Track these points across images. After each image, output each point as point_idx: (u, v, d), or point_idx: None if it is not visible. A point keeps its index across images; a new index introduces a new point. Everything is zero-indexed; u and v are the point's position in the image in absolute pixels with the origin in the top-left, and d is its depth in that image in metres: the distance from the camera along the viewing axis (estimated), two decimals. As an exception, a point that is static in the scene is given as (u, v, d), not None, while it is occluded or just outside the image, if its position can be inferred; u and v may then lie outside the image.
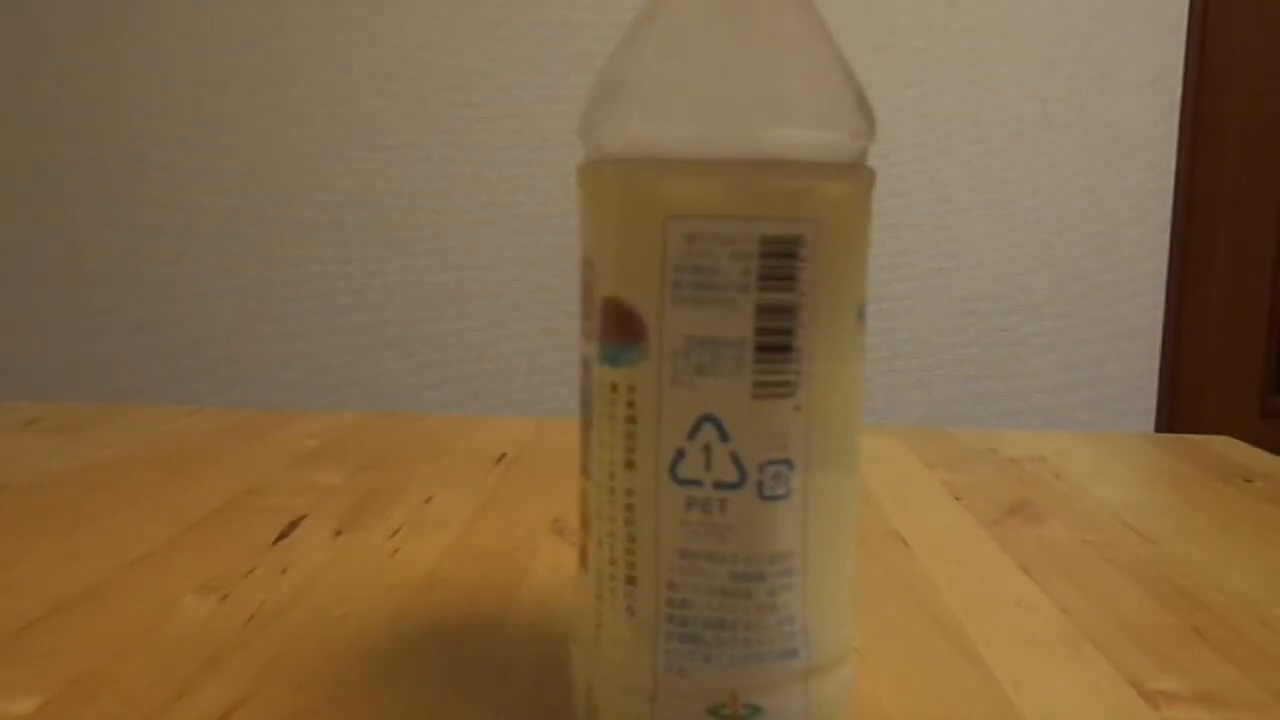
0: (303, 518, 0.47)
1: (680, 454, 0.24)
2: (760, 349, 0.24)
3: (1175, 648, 0.35)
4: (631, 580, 0.25)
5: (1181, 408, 1.56)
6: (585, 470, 0.26)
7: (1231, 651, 0.34)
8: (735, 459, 0.24)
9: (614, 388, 0.24)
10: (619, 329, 0.24)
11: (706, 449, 0.24)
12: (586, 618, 0.27)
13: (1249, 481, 0.56)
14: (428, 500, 0.50)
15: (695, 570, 0.25)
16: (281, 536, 0.44)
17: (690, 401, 0.24)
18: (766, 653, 0.25)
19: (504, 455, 0.59)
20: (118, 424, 0.64)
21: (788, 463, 0.24)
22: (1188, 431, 1.50)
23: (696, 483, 0.24)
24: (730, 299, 0.23)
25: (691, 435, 0.24)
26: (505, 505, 0.49)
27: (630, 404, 0.24)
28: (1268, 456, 0.62)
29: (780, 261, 0.24)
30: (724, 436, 0.24)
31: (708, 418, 0.24)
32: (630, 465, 0.25)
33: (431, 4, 1.51)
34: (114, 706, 0.29)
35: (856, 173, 0.25)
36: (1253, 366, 1.56)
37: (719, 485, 0.24)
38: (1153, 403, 1.55)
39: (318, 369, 1.57)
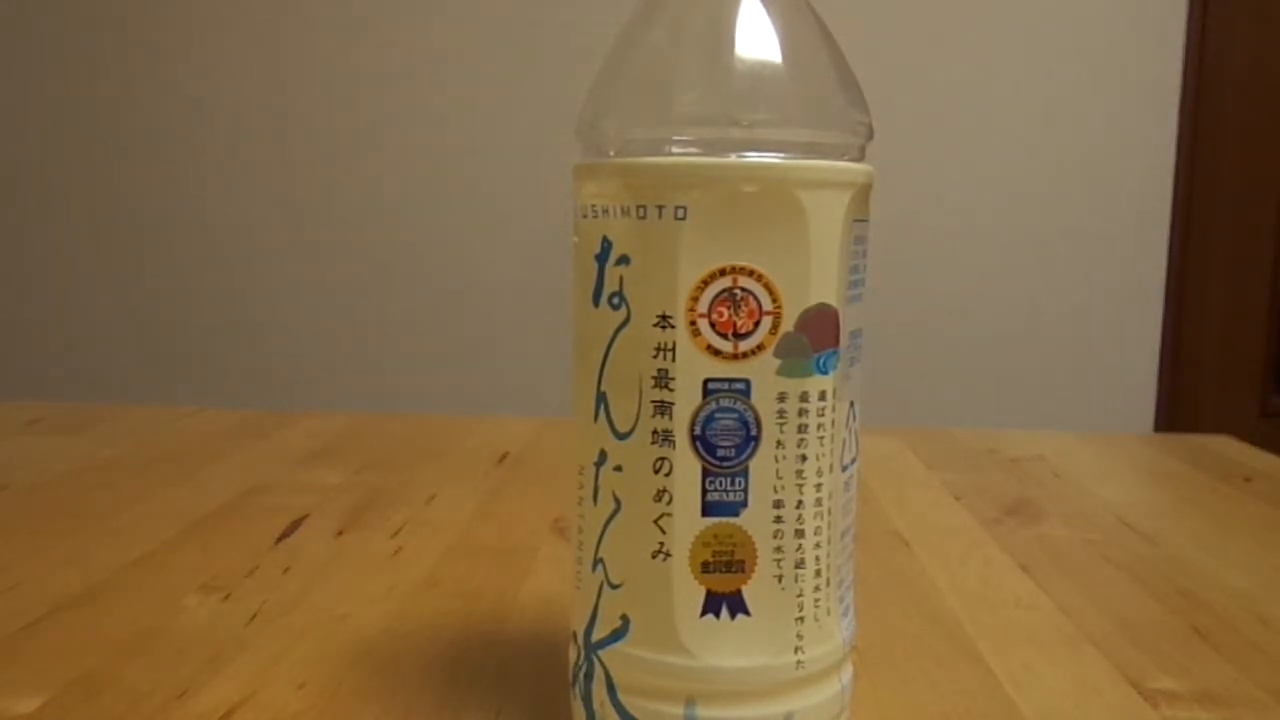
0: (304, 517, 0.47)
1: (844, 444, 0.26)
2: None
3: (1175, 647, 0.35)
4: (829, 582, 0.25)
5: (1181, 408, 1.56)
6: (740, 509, 0.24)
7: (1231, 651, 0.34)
8: (856, 436, 0.26)
9: (824, 395, 0.25)
10: (830, 335, 0.24)
11: (851, 433, 0.26)
12: (774, 658, 0.25)
13: (1248, 481, 0.56)
14: (429, 500, 0.50)
15: (844, 548, 0.26)
16: (283, 536, 0.44)
17: (847, 392, 0.26)
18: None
19: (505, 455, 0.59)
20: (119, 424, 0.64)
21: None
22: (1188, 431, 1.50)
23: (847, 467, 0.26)
24: (861, 292, 0.26)
25: (848, 424, 0.26)
26: (507, 505, 0.49)
27: (834, 408, 0.25)
28: (1268, 456, 0.62)
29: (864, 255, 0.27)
30: (854, 417, 0.26)
31: (852, 404, 0.26)
32: (832, 469, 0.25)
33: (432, 4, 1.51)
34: (116, 706, 0.29)
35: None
36: (1253, 366, 1.56)
37: (853, 462, 0.26)
38: (1152, 402, 1.55)
39: (318, 369, 1.57)
